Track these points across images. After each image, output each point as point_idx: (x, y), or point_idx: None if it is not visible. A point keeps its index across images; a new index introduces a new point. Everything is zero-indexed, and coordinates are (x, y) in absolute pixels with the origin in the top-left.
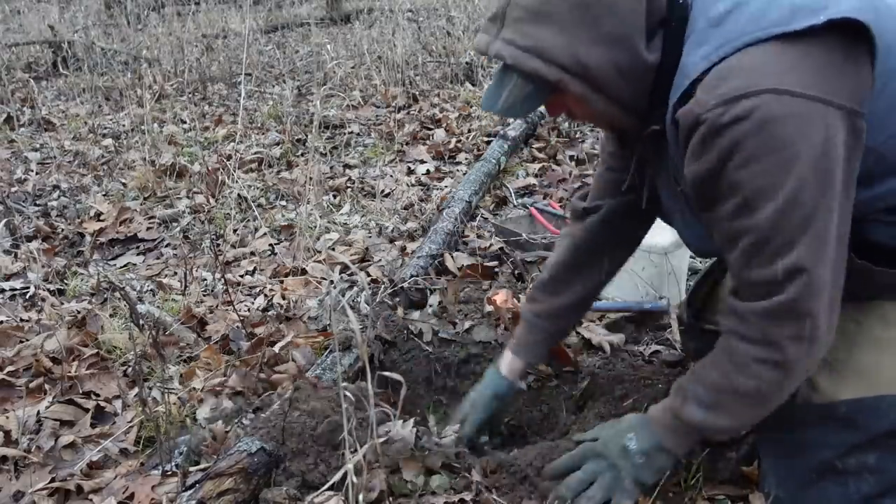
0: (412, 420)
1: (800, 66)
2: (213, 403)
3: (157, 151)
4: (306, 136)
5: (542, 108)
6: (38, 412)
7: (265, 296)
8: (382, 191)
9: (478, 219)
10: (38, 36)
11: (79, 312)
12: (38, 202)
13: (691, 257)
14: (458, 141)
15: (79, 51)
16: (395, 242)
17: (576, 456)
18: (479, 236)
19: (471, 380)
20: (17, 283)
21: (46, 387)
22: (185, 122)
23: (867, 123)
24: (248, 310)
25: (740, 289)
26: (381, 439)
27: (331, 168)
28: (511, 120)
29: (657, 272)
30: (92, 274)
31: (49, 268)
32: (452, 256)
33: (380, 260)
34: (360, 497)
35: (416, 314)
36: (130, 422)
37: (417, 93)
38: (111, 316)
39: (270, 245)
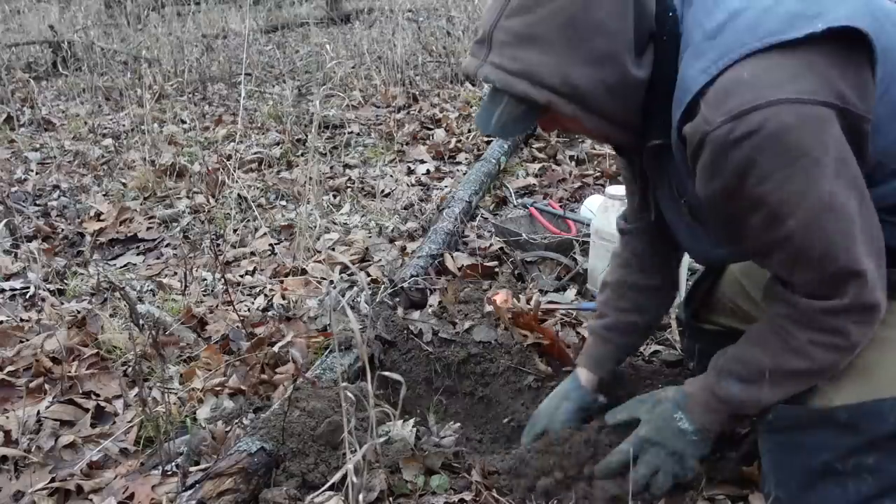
0: (412, 420)
1: (802, 73)
2: (213, 403)
3: (157, 151)
4: (306, 136)
5: None
6: (38, 412)
7: (265, 296)
8: (382, 191)
9: (478, 219)
10: (38, 36)
11: (79, 312)
12: (38, 202)
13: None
14: (458, 141)
15: (79, 51)
16: (395, 242)
17: (628, 451)
18: (479, 236)
19: (471, 380)
20: (17, 283)
21: (46, 387)
22: (185, 122)
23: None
24: (248, 310)
25: (791, 286)
26: (381, 439)
27: (331, 168)
28: None
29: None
30: (92, 274)
31: (49, 268)
32: (452, 256)
33: (380, 260)
34: (360, 497)
35: (416, 314)
36: (130, 422)
37: (417, 93)
38: (111, 316)
39: (270, 245)
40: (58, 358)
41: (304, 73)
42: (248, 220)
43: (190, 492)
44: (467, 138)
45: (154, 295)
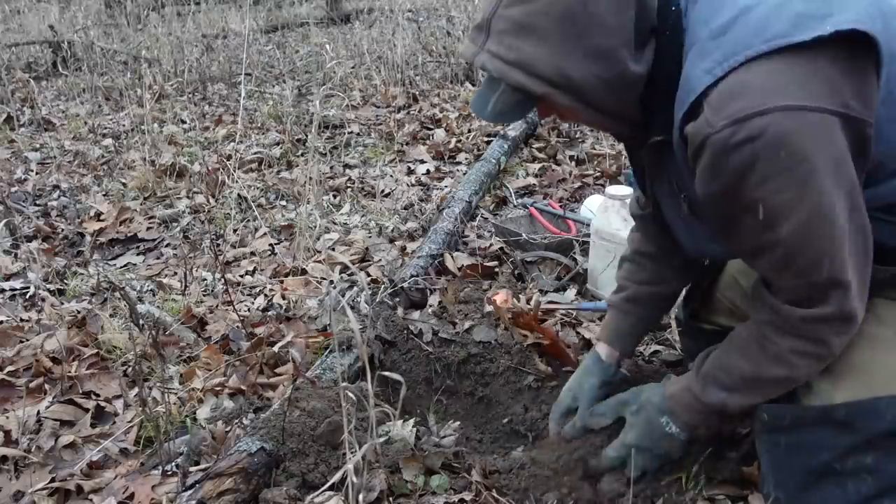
0: (412, 420)
1: (806, 79)
2: (213, 403)
3: (157, 151)
4: (306, 136)
5: None
6: (38, 412)
7: (265, 296)
8: (382, 191)
9: (478, 219)
10: (38, 36)
11: (79, 312)
12: (38, 202)
13: None
14: (458, 141)
15: (79, 51)
16: (395, 242)
17: (615, 458)
18: (479, 236)
19: (471, 380)
20: (17, 283)
21: (46, 387)
22: (185, 122)
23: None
24: (248, 310)
25: (775, 290)
26: (381, 439)
27: (331, 168)
28: None
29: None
30: (92, 274)
31: (49, 268)
32: (452, 256)
33: (380, 260)
34: (360, 497)
35: (416, 314)
36: (130, 422)
37: (417, 93)
38: (111, 316)
39: (270, 245)
40: (58, 358)
41: (304, 73)
42: (248, 220)
43: (190, 492)
44: (467, 138)
45: (154, 295)
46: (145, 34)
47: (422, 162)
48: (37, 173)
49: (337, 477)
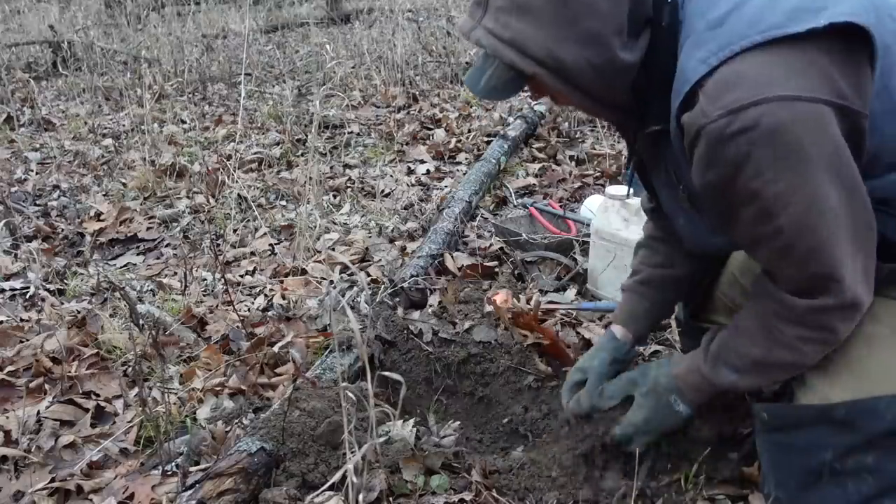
0: (412, 420)
1: (801, 70)
2: (213, 403)
3: (157, 151)
4: (306, 136)
5: (542, 108)
6: (38, 412)
7: (265, 296)
8: (382, 191)
9: (478, 219)
10: (38, 36)
11: (79, 312)
12: (38, 202)
13: None
14: (458, 141)
15: (79, 51)
16: (395, 242)
17: (626, 435)
18: (479, 236)
19: (471, 380)
20: (17, 283)
21: (46, 387)
22: (185, 122)
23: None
24: (248, 310)
25: (778, 281)
26: (381, 439)
27: (331, 168)
28: (511, 120)
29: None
30: (92, 274)
31: (49, 268)
32: (452, 256)
33: (380, 260)
34: (360, 497)
35: (416, 314)
36: (130, 422)
37: (417, 93)
38: (111, 316)
39: (270, 245)
40: (58, 358)
41: (304, 73)
42: (248, 220)
43: (190, 492)
44: (467, 138)
45: (154, 295)
46: (145, 34)
47: (422, 162)
48: (37, 173)
49: (337, 477)
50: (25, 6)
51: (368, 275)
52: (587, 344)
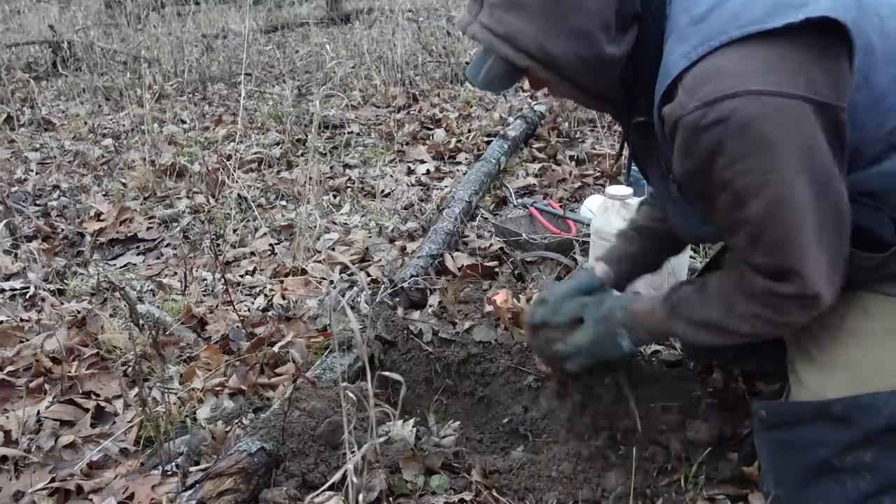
0: (412, 420)
1: (777, 64)
2: (213, 403)
3: (157, 151)
4: (306, 136)
5: (541, 109)
6: (38, 412)
7: (265, 296)
8: (382, 191)
9: (478, 219)
10: (38, 36)
11: (79, 312)
12: (38, 202)
13: (691, 257)
14: (458, 141)
15: (79, 51)
16: (395, 242)
17: (567, 353)
18: (479, 236)
19: (471, 380)
20: (17, 283)
21: (46, 387)
22: (185, 122)
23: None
24: (248, 310)
25: (748, 263)
26: (381, 439)
27: (331, 168)
28: (511, 120)
29: (657, 272)
30: (92, 274)
31: (49, 268)
32: (452, 256)
33: (380, 260)
34: (360, 497)
35: (416, 314)
36: (130, 422)
37: (417, 93)
38: (111, 316)
39: (270, 245)
40: (58, 358)
41: (304, 73)
42: (248, 220)
43: (190, 492)
44: (467, 138)
45: (154, 295)
46: (145, 34)
47: (422, 162)
48: (37, 173)
49: (337, 477)
50: (25, 6)
51: (368, 275)
52: None
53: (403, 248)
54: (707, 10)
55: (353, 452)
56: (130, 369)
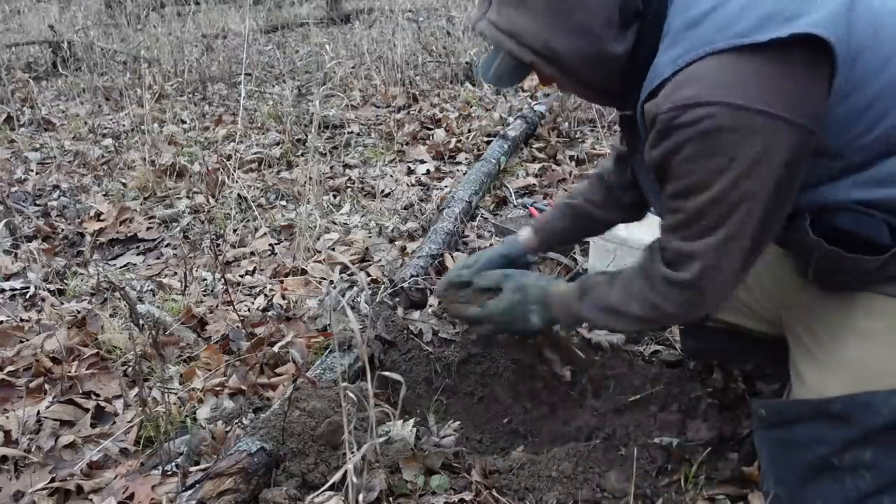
0: (412, 420)
1: (755, 79)
2: (213, 403)
3: (157, 151)
4: (306, 136)
5: (541, 109)
6: (38, 412)
7: (265, 296)
8: (382, 191)
9: (478, 219)
10: (38, 36)
11: (79, 312)
12: (38, 202)
13: None
14: (458, 141)
15: (79, 51)
16: (395, 242)
17: (477, 316)
18: (479, 236)
19: (471, 380)
20: (17, 283)
21: (46, 387)
22: (185, 122)
23: (828, 128)
24: (248, 310)
25: (661, 247)
26: (381, 439)
27: (331, 168)
28: (511, 120)
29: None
30: (92, 274)
31: (49, 268)
32: (452, 256)
33: (380, 260)
34: (360, 497)
35: (416, 314)
36: (130, 422)
37: (417, 93)
38: (111, 316)
39: (270, 245)
40: (58, 358)
41: (304, 73)
42: (248, 220)
43: (190, 492)
44: (467, 138)
45: (154, 295)
46: (145, 34)
47: (422, 162)
48: (37, 173)
49: (337, 477)
50: (25, 6)
51: (368, 275)
52: (587, 343)
53: (403, 248)
54: (701, 15)
55: (353, 452)
56: (130, 369)
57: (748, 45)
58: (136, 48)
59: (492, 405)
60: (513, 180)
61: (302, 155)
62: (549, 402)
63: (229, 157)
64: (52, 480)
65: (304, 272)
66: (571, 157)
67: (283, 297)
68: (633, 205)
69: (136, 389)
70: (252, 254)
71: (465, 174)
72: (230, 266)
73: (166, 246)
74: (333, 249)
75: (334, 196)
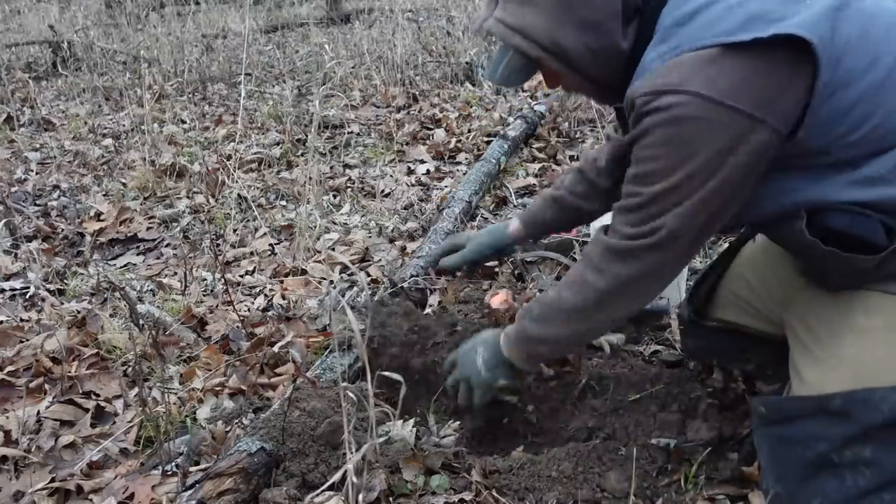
0: (412, 420)
1: (729, 75)
2: (213, 403)
3: (157, 151)
4: (306, 136)
5: (541, 109)
6: (38, 412)
7: (265, 296)
8: (382, 191)
9: (478, 219)
10: (38, 36)
11: (79, 312)
12: (38, 202)
13: None
14: (458, 141)
15: (79, 51)
16: (395, 242)
17: (447, 365)
18: None
19: None
20: (17, 283)
21: (46, 387)
22: (185, 122)
23: (813, 127)
24: (248, 310)
25: (612, 227)
26: (381, 439)
27: (331, 168)
28: (511, 120)
29: None
30: (92, 274)
31: (49, 268)
32: None
33: (380, 260)
34: (360, 497)
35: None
36: (130, 422)
37: (417, 93)
38: (111, 316)
39: (270, 245)
40: (58, 358)
41: (304, 73)
42: (248, 220)
43: (190, 492)
44: (467, 138)
45: (154, 295)
46: (145, 34)
47: (422, 162)
48: (37, 173)
49: (337, 477)
50: (25, 6)
51: (368, 275)
52: (587, 344)
53: (403, 248)
54: (690, 13)
55: (353, 452)
56: (130, 369)
57: (732, 44)
58: (136, 48)
59: (491, 405)
60: (513, 180)
61: (302, 155)
62: (549, 402)
63: (229, 157)
64: (52, 480)
65: (304, 272)
66: (571, 157)
67: (283, 297)
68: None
69: (136, 389)
70: (252, 254)
71: (465, 174)
72: (230, 266)
73: (166, 246)
74: (333, 249)
75: (334, 196)
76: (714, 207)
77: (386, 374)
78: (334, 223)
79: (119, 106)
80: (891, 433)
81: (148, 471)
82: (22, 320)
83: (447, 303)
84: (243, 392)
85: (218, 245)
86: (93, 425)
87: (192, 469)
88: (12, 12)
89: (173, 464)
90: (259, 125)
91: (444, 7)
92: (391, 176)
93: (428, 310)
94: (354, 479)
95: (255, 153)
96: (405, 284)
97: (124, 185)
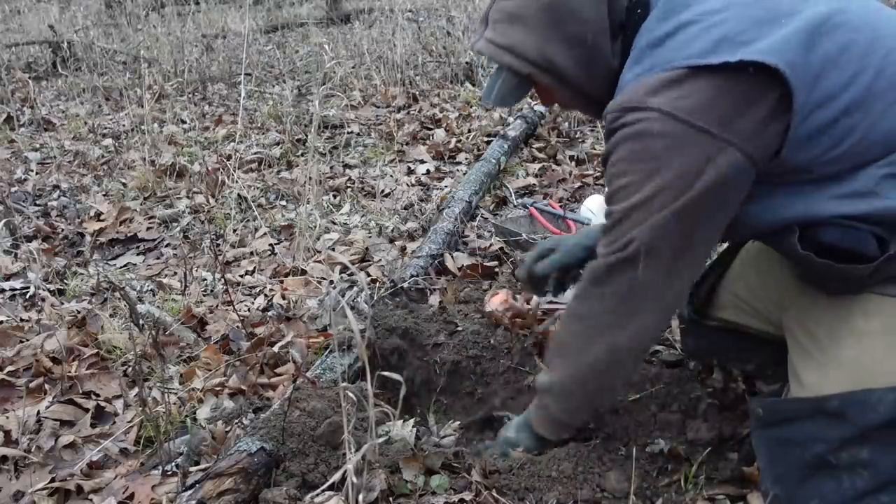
0: (412, 420)
1: (696, 95)
2: (213, 403)
3: (157, 151)
4: (306, 136)
5: (541, 109)
6: (38, 412)
7: (265, 296)
8: (382, 191)
9: (478, 219)
10: (38, 36)
11: (79, 312)
12: (38, 202)
13: None
14: (458, 141)
15: (79, 51)
16: (395, 242)
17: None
18: (479, 236)
19: (471, 380)
20: (17, 283)
21: (46, 387)
22: (185, 122)
23: (793, 146)
24: (248, 310)
25: (597, 252)
26: (381, 439)
27: (331, 168)
28: (511, 120)
29: None
30: (92, 274)
31: (49, 268)
32: (452, 256)
33: (380, 260)
34: (360, 497)
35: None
36: (130, 422)
37: (417, 93)
38: (111, 316)
39: (270, 245)
40: (58, 358)
41: (304, 73)
42: (248, 220)
43: (190, 492)
44: (467, 138)
45: (154, 295)
46: (145, 34)
47: (422, 162)
48: (37, 173)
49: (337, 477)
50: (25, 6)
51: (368, 275)
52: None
53: (403, 248)
54: (665, 34)
55: (352, 452)
56: (130, 369)
57: (701, 67)
58: (136, 48)
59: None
60: (513, 180)
61: (302, 155)
62: None
63: (229, 157)
64: (52, 480)
65: (304, 272)
66: (571, 157)
67: (283, 297)
68: None
69: (136, 389)
70: (252, 254)
71: (465, 174)
72: (230, 266)
73: (166, 246)
74: (333, 249)
75: (334, 196)
76: (689, 224)
77: (386, 374)
78: (334, 223)
79: (119, 106)
80: (888, 434)
81: (148, 471)
82: (22, 320)
83: (447, 303)
84: (243, 392)
85: (218, 245)
86: (93, 425)
87: (192, 469)
88: (12, 12)
89: (173, 464)
90: (259, 125)
91: (444, 7)
92: (391, 176)
93: (428, 310)
94: (354, 479)
95: (255, 153)
96: (405, 284)
97: (124, 185)
